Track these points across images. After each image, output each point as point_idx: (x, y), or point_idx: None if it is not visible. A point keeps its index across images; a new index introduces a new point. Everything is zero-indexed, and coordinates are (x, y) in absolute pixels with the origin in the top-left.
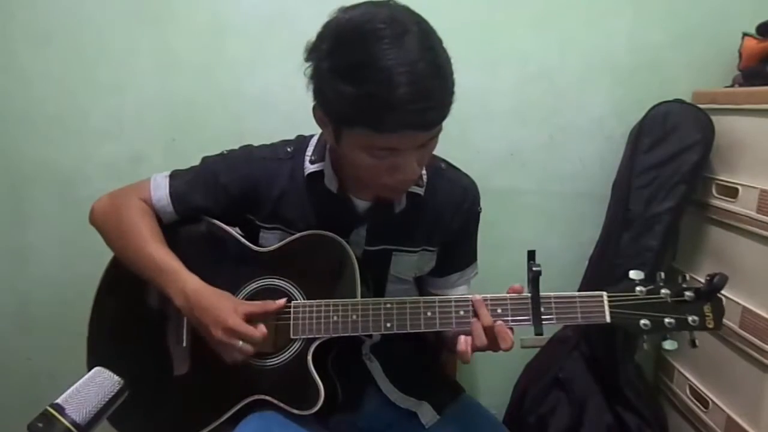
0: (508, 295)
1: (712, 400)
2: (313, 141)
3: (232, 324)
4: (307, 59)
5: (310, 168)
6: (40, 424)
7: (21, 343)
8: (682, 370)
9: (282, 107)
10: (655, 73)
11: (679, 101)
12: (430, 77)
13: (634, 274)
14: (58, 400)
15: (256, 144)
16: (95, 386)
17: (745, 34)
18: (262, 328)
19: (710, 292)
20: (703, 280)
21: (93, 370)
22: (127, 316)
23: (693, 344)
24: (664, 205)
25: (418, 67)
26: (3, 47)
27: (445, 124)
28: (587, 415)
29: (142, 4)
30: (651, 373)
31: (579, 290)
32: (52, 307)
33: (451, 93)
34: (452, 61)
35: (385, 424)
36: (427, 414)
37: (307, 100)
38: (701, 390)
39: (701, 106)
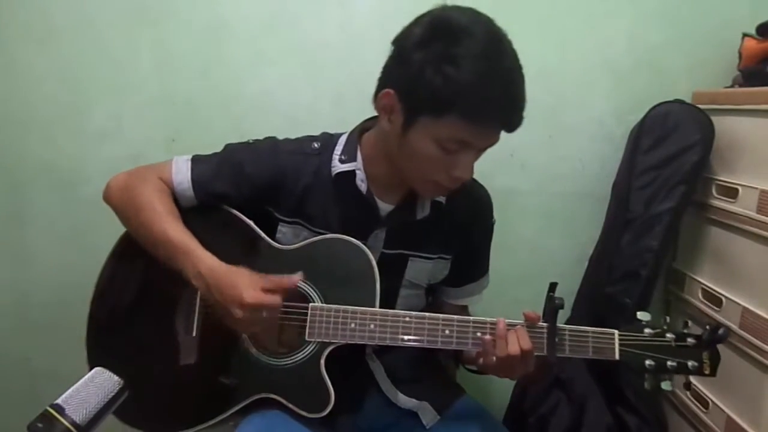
0: (525, 322)
1: (712, 400)
2: (342, 140)
3: (249, 300)
4: (395, 43)
5: (339, 167)
6: (40, 425)
7: (21, 343)
8: None
9: (282, 107)
10: (655, 74)
11: (679, 101)
12: (521, 85)
13: (641, 315)
14: (58, 401)
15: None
16: (95, 387)
17: (745, 35)
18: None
19: (711, 342)
20: (702, 280)
21: (93, 371)
22: (132, 304)
23: (688, 386)
24: (664, 205)
25: (515, 73)
26: (3, 47)
27: None
28: (587, 415)
29: (142, 4)
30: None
31: (579, 290)
32: (52, 307)
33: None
34: None
35: (386, 424)
36: (427, 414)
37: (308, 101)
38: (701, 390)
39: (701, 106)
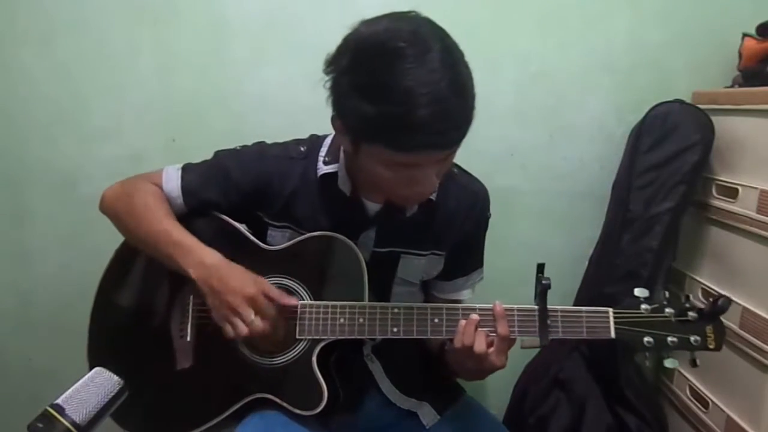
0: (515, 306)
1: (712, 400)
2: (327, 141)
3: (252, 293)
4: (326, 72)
5: (323, 169)
6: (40, 425)
7: (21, 343)
8: (682, 371)
9: (282, 107)
10: (655, 73)
11: (679, 101)
12: (451, 97)
13: (639, 292)
14: (58, 400)
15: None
16: (95, 386)
17: (745, 35)
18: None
19: (713, 314)
20: (702, 280)
21: (93, 371)
22: (130, 310)
23: (693, 363)
24: (664, 205)
25: (440, 87)
26: (4, 47)
27: None
28: (587, 415)
29: (143, 4)
30: (651, 373)
31: (579, 290)
32: (52, 307)
33: (472, 109)
34: None
35: (386, 424)
36: (427, 414)
37: (307, 101)
38: (701, 390)
39: (701, 106)
